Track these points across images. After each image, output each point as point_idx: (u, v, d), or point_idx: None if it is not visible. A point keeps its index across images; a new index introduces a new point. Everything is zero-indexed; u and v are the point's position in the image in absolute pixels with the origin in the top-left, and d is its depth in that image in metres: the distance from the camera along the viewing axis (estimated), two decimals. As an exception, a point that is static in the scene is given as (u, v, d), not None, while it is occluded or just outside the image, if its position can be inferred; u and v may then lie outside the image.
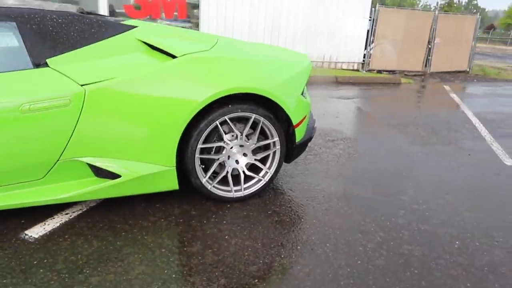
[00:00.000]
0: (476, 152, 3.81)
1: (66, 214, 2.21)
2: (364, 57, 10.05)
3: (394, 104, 6.50)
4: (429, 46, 10.41)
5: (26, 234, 2.00)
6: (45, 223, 2.10)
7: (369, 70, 9.94)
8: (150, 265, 1.80)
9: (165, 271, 1.77)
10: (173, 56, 2.15)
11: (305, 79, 2.51)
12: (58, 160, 2.02)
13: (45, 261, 1.80)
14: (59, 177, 2.09)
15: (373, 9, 9.75)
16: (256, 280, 1.75)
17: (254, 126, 2.35)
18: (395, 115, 5.33)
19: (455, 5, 57.64)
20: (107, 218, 2.19)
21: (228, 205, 2.39)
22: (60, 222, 2.12)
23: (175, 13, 8.18)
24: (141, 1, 7.88)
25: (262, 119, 2.29)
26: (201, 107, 2.11)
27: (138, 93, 2.05)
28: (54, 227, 2.07)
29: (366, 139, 4.03)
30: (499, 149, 3.96)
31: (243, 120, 2.33)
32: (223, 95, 2.13)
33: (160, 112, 2.07)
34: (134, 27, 2.26)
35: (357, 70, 9.97)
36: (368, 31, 9.86)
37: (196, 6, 8.24)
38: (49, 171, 2.04)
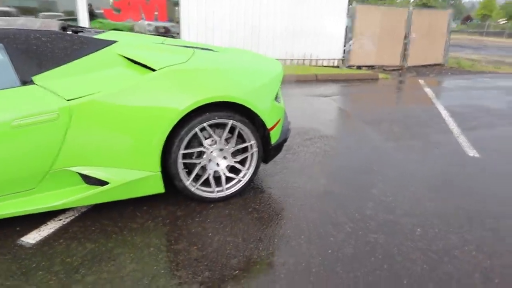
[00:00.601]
0: (443, 145, 4.09)
1: (60, 220, 2.37)
2: (344, 53, 10.33)
3: (370, 100, 6.78)
4: (405, 41, 10.75)
5: (23, 241, 2.16)
6: (40, 229, 2.26)
7: (349, 66, 10.22)
8: (140, 263, 1.99)
9: (154, 268, 1.96)
10: (152, 69, 2.32)
11: (278, 85, 2.72)
12: (49, 171, 2.18)
13: (43, 263, 1.96)
14: (51, 186, 2.25)
15: (350, 6, 10.01)
16: (237, 272, 1.96)
17: (232, 130, 2.55)
18: (370, 111, 5.59)
19: (432, -3, 58.63)
20: (98, 222, 2.36)
21: (212, 205, 2.58)
22: (54, 228, 2.28)
23: (155, 13, 8.27)
24: (120, 4, 7.95)
25: (238, 124, 2.49)
26: (181, 116, 2.29)
27: (121, 105, 2.22)
28: (49, 232, 2.24)
29: (342, 137, 4.27)
30: (464, 141, 4.25)
31: (221, 126, 2.52)
32: (201, 104, 2.32)
33: (143, 122, 2.25)
34: (114, 42, 2.42)
35: (338, 67, 10.24)
36: (346, 28, 10.13)
37: (176, 4, 8.33)
38: (41, 181, 2.20)
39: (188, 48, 2.65)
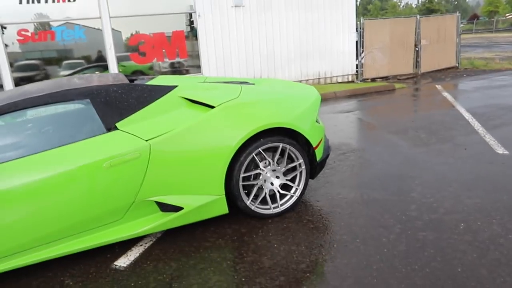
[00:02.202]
0: (471, 146, 4.31)
1: (141, 245, 2.70)
2: (357, 67, 10.67)
3: (391, 111, 7.04)
4: (417, 49, 11.03)
5: (115, 265, 2.50)
6: (127, 255, 2.60)
7: (364, 80, 10.53)
8: (222, 275, 2.29)
9: (235, 277, 2.25)
10: (212, 107, 2.70)
11: (317, 108, 3.05)
12: (133, 202, 2.54)
13: (140, 282, 2.29)
14: (134, 216, 2.60)
15: (358, 22, 10.43)
16: (308, 274, 2.23)
17: (282, 152, 2.87)
18: (394, 122, 5.85)
19: (435, 0, 59.09)
20: (174, 244, 2.68)
21: (270, 221, 2.88)
22: (139, 252, 2.62)
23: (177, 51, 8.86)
24: (145, 48, 8.56)
25: (288, 146, 2.82)
26: (240, 144, 2.64)
27: (190, 140, 2.59)
28: (135, 256, 2.57)
29: (372, 148, 4.54)
30: (491, 140, 4.45)
31: (272, 149, 2.85)
32: (256, 132, 2.67)
33: (208, 152, 2.61)
34: (175, 86, 2.82)
35: (352, 82, 10.56)
36: (357, 43, 10.51)
37: (194, 39, 8.90)
38: (126, 212, 2.56)
39: (235, 84, 3.03)
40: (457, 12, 12.23)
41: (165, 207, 2.63)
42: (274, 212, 2.90)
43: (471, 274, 2.14)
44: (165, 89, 2.78)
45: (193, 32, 8.98)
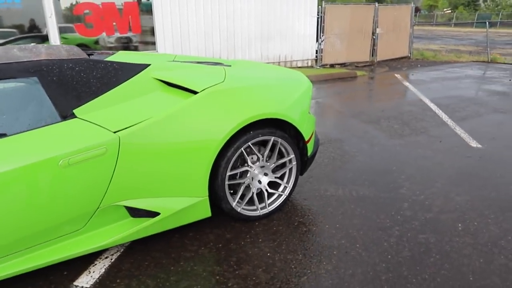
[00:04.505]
0: (445, 138, 4.28)
1: (106, 257, 2.24)
2: (316, 53, 10.52)
3: (358, 99, 6.96)
4: (374, 37, 11.13)
5: (76, 285, 2.02)
6: (89, 271, 2.13)
7: (323, 65, 10.43)
8: (213, 294, 1.92)
9: (229, 297, 1.90)
10: (194, 92, 2.25)
11: (310, 97, 2.73)
12: (97, 208, 2.06)
13: (110, 308, 1.85)
14: (97, 224, 2.12)
15: (319, 7, 10.22)
16: (312, 290, 1.95)
17: (271, 146, 2.52)
18: (363, 110, 5.74)
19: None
20: (148, 255, 2.25)
21: (256, 223, 2.55)
22: (104, 267, 2.16)
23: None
24: (93, 19, 7.64)
25: (279, 140, 2.47)
26: (228, 137, 2.24)
27: (169, 132, 2.13)
28: (100, 273, 2.11)
29: (349, 139, 4.34)
30: (462, 132, 4.47)
31: (259, 143, 2.49)
32: (247, 123, 2.28)
33: (191, 147, 2.18)
34: (147, 65, 2.32)
35: (311, 67, 10.42)
36: (317, 28, 10.33)
37: (148, 13, 8.11)
38: (88, 220, 2.07)
39: (219, 66, 2.60)
40: (412, 3, 12.52)
41: (137, 213, 2.18)
42: (262, 213, 2.56)
43: (485, 284, 1.99)
44: (135, 68, 2.28)
45: (147, 5, 8.17)
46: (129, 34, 8.21)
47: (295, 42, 10.19)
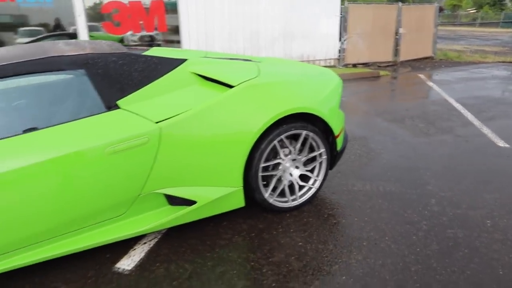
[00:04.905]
0: (472, 138, 4.26)
1: (145, 243, 2.36)
2: (339, 52, 10.51)
3: (382, 98, 6.95)
4: (397, 37, 11.03)
5: (118, 268, 2.15)
6: (129, 255, 2.25)
7: (345, 65, 10.40)
8: (249, 279, 2.02)
9: (264, 282, 1.99)
10: (230, 86, 2.35)
11: (340, 93, 2.79)
12: (139, 195, 2.18)
13: (152, 288, 1.97)
14: (138, 211, 2.24)
15: (342, 6, 10.21)
16: (344, 277, 2.02)
17: (303, 140, 2.59)
18: (388, 109, 5.73)
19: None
20: (184, 241, 2.36)
21: (287, 215, 2.63)
22: (143, 252, 2.28)
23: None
24: (120, 18, 7.86)
25: (311, 134, 2.55)
26: (263, 131, 2.33)
27: (206, 124, 2.24)
28: (140, 257, 2.23)
29: (373, 136, 4.37)
30: (489, 132, 4.43)
31: (293, 137, 2.57)
32: (281, 117, 2.37)
33: (227, 139, 2.28)
34: (184, 60, 2.43)
35: (334, 66, 10.41)
36: (340, 27, 10.32)
37: (174, 12, 8.29)
38: (130, 206, 2.19)
39: (251, 62, 2.69)
40: (436, 3, 12.34)
41: (175, 201, 2.30)
42: (293, 205, 2.64)
43: (516, 278, 2.01)
44: (174, 62, 2.39)
45: (172, 4, 8.35)
46: (153, 33, 8.41)
47: (318, 41, 10.20)
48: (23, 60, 2.04)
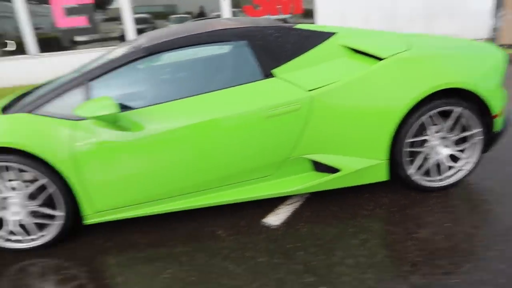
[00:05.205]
0: None
1: (289, 204, 2.57)
2: (493, 31, 9.14)
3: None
4: None
5: (265, 222, 2.40)
6: (275, 213, 2.49)
7: (501, 45, 9.01)
8: (391, 250, 2.03)
9: (409, 255, 1.98)
10: (380, 59, 2.34)
11: (502, 70, 2.49)
12: (288, 158, 2.37)
13: (298, 245, 2.15)
14: (285, 173, 2.45)
15: (501, -24, 8.80)
16: (502, 266, 1.86)
17: (455, 118, 2.43)
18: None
19: None
20: (326, 208, 2.49)
21: (432, 195, 2.52)
22: (289, 212, 2.49)
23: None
24: (260, 1, 8.33)
25: (466, 111, 2.36)
26: (412, 105, 2.27)
27: (355, 95, 2.29)
28: (286, 216, 2.44)
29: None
30: None
31: (441, 113, 2.42)
32: (432, 91, 2.26)
33: (376, 111, 2.30)
34: (333, 33, 2.51)
35: (484, 46, 9.12)
36: (494, 2, 8.94)
37: None
38: (278, 168, 2.41)
39: (402, 35, 2.61)
40: None
41: (320, 167, 2.43)
42: (438, 185, 2.52)
43: None
44: (324, 35, 2.49)
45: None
46: (288, 15, 8.66)
47: (465, 19, 9.06)
48: (198, 32, 2.40)
